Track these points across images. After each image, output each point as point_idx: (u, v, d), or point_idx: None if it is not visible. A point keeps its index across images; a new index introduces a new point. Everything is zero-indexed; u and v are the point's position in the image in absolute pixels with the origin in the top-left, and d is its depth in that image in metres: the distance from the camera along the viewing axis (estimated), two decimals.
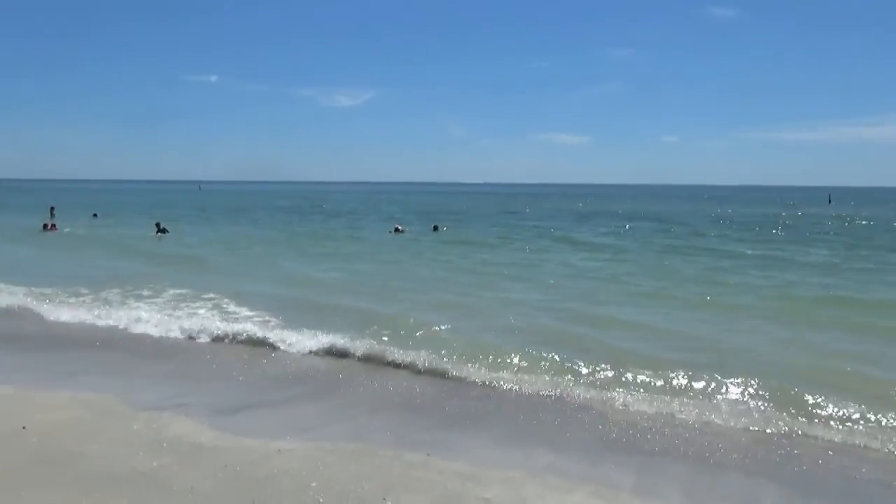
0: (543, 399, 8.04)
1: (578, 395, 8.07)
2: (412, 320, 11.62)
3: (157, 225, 30.48)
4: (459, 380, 8.69)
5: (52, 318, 12.02)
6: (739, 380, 8.29)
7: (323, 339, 10.03)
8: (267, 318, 11.87)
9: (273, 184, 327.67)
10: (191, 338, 10.71)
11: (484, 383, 8.55)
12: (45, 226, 31.25)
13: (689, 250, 25.01)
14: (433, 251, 24.08)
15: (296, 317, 11.80)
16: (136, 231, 31.63)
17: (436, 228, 33.69)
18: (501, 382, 8.54)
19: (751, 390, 8.04)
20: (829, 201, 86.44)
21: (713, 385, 8.23)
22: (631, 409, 7.67)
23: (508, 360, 9.26)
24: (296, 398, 7.96)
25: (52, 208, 38.16)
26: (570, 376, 8.66)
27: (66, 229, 31.61)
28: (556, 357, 9.25)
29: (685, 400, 7.84)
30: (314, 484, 5.34)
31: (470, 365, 9.07)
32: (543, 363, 9.15)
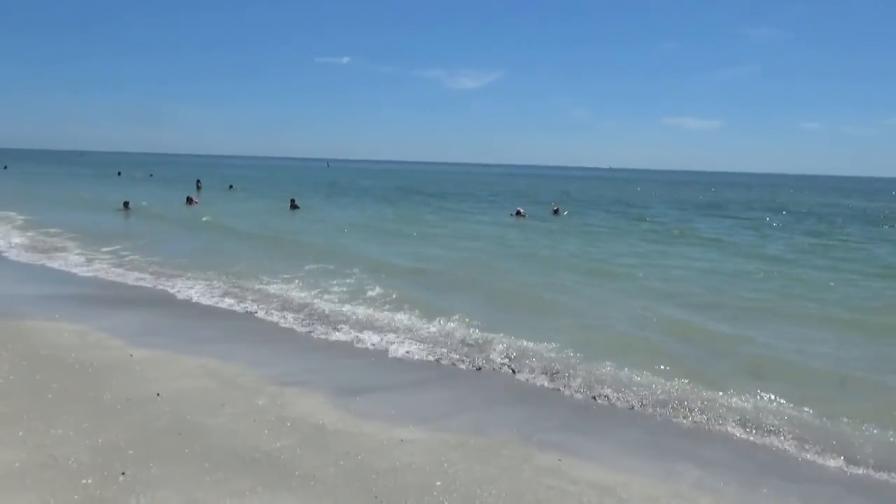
0: (680, 405, 7.27)
1: (721, 406, 7.24)
2: (539, 308, 11.07)
3: (292, 201, 31.93)
4: (587, 375, 8.08)
5: (186, 292, 12.55)
6: None
7: (448, 326, 9.71)
8: (396, 299, 11.74)
9: (396, 163, 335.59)
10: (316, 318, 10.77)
11: (613, 382, 7.89)
12: (188, 199, 33.35)
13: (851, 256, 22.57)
14: (552, 238, 23.30)
15: (423, 298, 11.62)
16: (271, 204, 33.25)
17: (556, 212, 32.83)
18: (634, 384, 7.84)
19: None
20: None
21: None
22: (784, 429, 6.75)
23: (640, 359, 8.52)
24: (415, 383, 7.68)
25: (199, 181, 40.57)
26: (710, 384, 7.81)
27: (204, 218, 33.71)
28: (694, 360, 8.39)
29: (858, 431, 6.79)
30: (438, 483, 4.99)
31: (598, 361, 8.44)
32: (679, 366, 8.34)
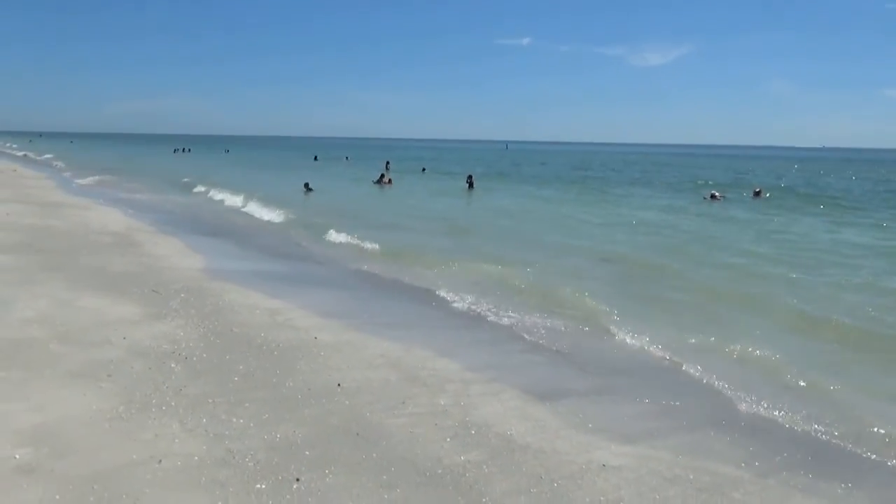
0: None
1: None
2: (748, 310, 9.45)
3: (469, 178, 32.33)
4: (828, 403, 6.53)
5: (382, 267, 12.50)
6: None
7: (657, 332, 8.48)
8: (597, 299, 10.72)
9: (578, 144, 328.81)
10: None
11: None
12: (381, 178, 34.48)
13: None
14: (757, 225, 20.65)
15: (624, 299, 10.50)
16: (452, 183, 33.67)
17: (757, 194, 29.57)
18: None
19: None
20: None
21: None
22: None
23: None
24: (613, 389, 6.69)
25: (388, 163, 42.20)
26: None
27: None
28: None
29: None
30: None
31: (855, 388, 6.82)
32: None
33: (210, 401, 5.51)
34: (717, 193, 28.97)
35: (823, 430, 5.83)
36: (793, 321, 9.29)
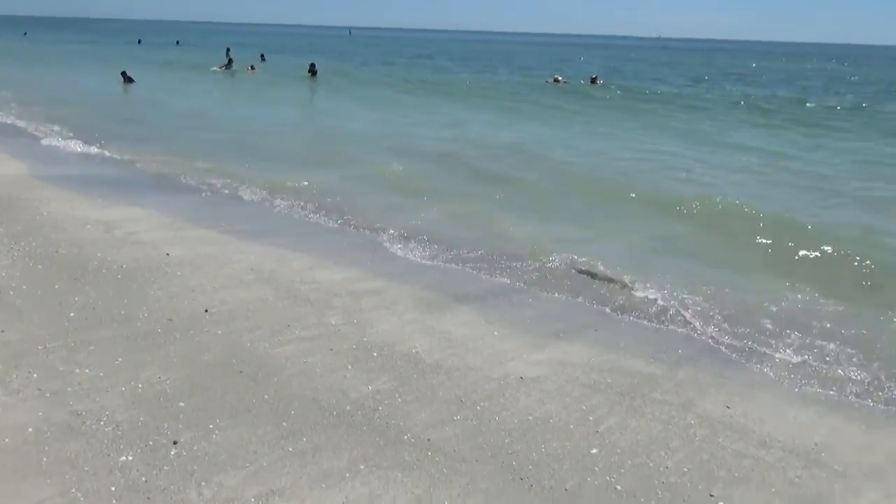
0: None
1: None
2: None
3: (311, 66, 30.66)
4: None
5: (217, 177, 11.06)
6: None
7: (533, 226, 8.18)
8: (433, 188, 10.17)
9: (423, 32, 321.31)
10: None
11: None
12: (228, 63, 31.95)
13: None
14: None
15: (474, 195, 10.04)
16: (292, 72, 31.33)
17: (594, 80, 30.65)
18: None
19: None
20: None
21: None
22: None
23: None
24: (508, 291, 6.32)
25: (228, 49, 38.37)
26: None
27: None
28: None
29: None
30: (594, 451, 3.68)
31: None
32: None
33: (40, 348, 4.37)
34: (560, 77, 29.81)
35: (708, 312, 5.86)
36: (645, 207, 9.48)
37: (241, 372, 4.27)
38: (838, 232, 8.34)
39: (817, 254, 7.58)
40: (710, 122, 19.49)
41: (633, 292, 6.32)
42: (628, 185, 10.61)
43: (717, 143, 15.61)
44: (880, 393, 4.68)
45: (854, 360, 5.15)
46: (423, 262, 6.95)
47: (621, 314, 5.83)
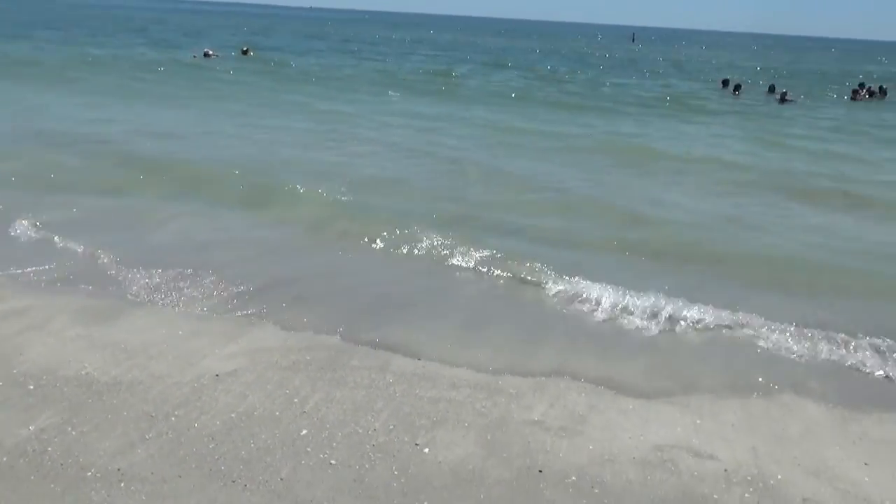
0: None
1: None
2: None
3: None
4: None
5: None
6: None
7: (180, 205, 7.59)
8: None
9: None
10: None
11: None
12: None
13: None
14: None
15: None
16: None
17: (245, 52, 29.93)
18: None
19: None
20: (633, 39, 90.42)
21: None
22: None
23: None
24: (173, 279, 5.86)
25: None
26: None
27: None
28: None
29: None
30: (304, 433, 3.66)
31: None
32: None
33: None
34: (210, 51, 28.55)
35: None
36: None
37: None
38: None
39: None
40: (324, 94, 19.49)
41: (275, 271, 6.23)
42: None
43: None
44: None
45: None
46: (78, 264, 6.02)
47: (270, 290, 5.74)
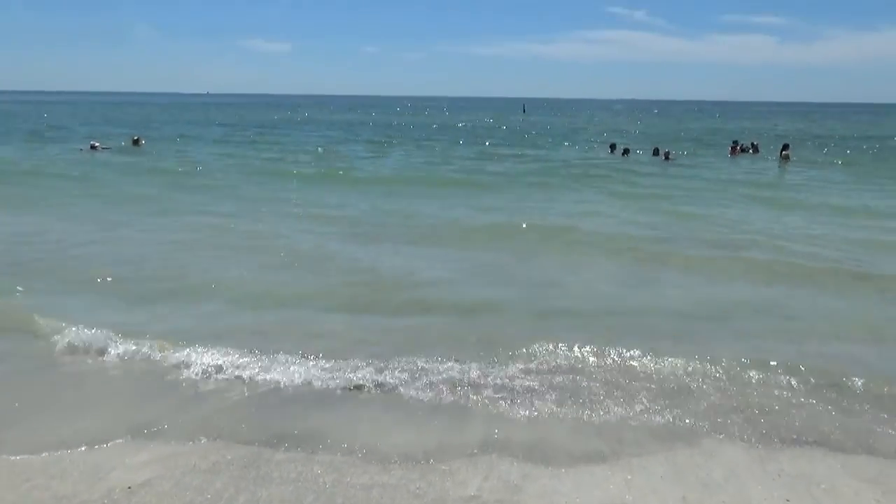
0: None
1: None
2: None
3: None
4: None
5: None
6: None
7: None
8: None
9: None
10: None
11: None
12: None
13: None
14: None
15: None
16: None
17: (136, 142, 29.06)
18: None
19: None
20: (524, 110, 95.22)
21: None
22: None
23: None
24: (58, 385, 5.46)
25: None
26: None
27: None
28: None
29: None
30: None
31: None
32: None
33: None
34: (96, 143, 27.57)
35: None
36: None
37: None
38: None
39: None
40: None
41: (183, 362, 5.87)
42: None
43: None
44: None
45: None
46: None
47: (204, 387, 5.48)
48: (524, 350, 6.00)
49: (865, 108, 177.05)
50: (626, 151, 26.22)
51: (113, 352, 6.04)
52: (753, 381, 5.48)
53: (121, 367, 5.86)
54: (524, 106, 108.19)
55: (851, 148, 32.79)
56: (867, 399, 5.21)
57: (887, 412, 5.02)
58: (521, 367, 5.75)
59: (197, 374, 5.64)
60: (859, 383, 5.38)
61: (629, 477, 4.13)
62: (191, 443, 4.53)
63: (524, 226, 11.88)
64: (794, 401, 5.19)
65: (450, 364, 5.75)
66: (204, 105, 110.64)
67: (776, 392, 5.32)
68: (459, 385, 5.43)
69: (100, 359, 5.98)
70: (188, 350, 5.96)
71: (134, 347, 6.07)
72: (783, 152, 25.66)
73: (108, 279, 8.27)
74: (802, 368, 5.62)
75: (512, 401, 5.19)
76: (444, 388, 5.38)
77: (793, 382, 5.43)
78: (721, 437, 4.66)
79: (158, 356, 5.97)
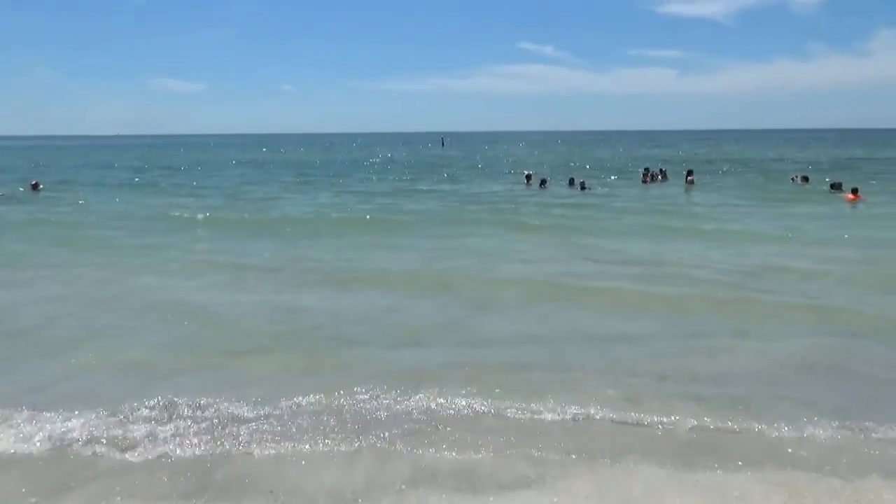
0: None
1: None
2: None
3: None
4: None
5: None
6: None
7: None
8: None
9: None
10: None
11: None
12: None
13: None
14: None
15: None
16: None
17: (35, 187, 27.30)
18: None
19: None
20: (443, 144, 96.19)
21: None
22: None
23: None
24: None
25: None
26: None
27: None
28: None
29: None
30: None
31: None
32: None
33: None
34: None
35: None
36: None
37: None
38: None
39: None
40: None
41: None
42: None
43: None
44: None
45: None
46: None
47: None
48: (445, 382, 6.02)
49: (755, 134, 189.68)
50: (542, 182, 26.70)
51: None
52: (657, 404, 5.62)
53: None
54: (443, 140, 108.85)
55: (739, 172, 34.92)
56: (764, 415, 5.50)
57: (788, 424, 5.26)
58: (443, 400, 5.74)
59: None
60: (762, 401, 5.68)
61: (555, 499, 4.18)
62: None
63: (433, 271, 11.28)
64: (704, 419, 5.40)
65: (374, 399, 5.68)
66: (110, 147, 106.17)
67: (682, 409, 5.51)
68: (384, 420, 5.37)
69: None
70: None
71: None
72: (688, 178, 27.14)
73: None
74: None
75: (436, 432, 5.17)
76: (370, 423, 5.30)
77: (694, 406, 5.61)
78: (639, 455, 4.78)
79: None
